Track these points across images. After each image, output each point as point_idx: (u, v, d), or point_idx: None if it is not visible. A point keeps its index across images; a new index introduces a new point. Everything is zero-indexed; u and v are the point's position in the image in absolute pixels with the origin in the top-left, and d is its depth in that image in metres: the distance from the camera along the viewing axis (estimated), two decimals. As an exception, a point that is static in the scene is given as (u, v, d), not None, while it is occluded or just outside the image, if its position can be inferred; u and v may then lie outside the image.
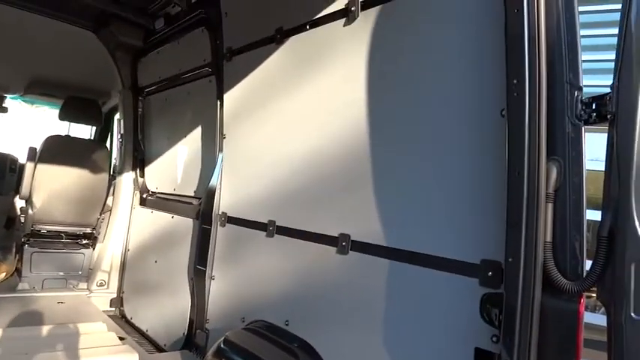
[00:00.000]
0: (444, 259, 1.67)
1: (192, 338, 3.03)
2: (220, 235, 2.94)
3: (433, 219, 1.74)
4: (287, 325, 2.28)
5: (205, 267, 2.95)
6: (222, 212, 2.95)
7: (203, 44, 3.38)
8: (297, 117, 2.47)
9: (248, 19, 2.98)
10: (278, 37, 2.64)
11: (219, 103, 3.15)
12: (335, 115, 2.21)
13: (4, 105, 5.56)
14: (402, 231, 1.84)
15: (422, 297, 1.73)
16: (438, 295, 1.68)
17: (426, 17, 1.86)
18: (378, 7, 2.06)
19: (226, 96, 3.09)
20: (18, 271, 4.40)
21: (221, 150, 3.08)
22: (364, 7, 2.12)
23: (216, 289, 2.91)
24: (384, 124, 1.98)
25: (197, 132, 3.58)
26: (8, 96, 5.60)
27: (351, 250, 2.02)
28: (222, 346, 2.32)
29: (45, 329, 3.18)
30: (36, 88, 5.46)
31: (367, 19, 2.09)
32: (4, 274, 4.37)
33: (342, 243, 2.06)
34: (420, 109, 1.85)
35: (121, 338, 3.16)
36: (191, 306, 3.10)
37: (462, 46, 1.71)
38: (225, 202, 2.97)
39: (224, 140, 3.08)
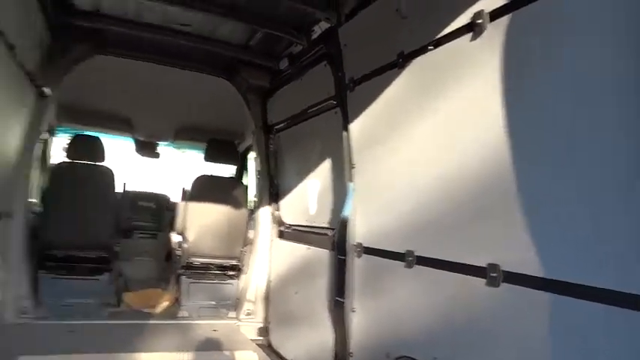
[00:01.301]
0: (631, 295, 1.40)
1: None
2: (357, 266, 2.93)
3: (606, 244, 1.49)
4: (435, 362, 2.15)
5: (344, 299, 2.95)
6: (358, 243, 2.94)
7: (326, 78, 3.47)
8: (427, 141, 2.38)
9: (367, 48, 2.99)
10: (400, 62, 2.59)
11: (345, 133, 3.18)
12: (468, 136, 2.08)
13: (156, 151, 6.31)
14: (564, 259, 1.63)
15: (596, 340, 1.49)
16: (619, 338, 1.43)
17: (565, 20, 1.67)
18: (507, 15, 1.91)
19: (352, 126, 3.12)
20: (177, 300, 4.87)
21: (351, 180, 3.09)
22: (493, 18, 1.98)
23: (358, 322, 2.88)
24: (527, 139, 1.80)
25: (326, 163, 3.66)
26: (160, 143, 6.34)
27: (503, 282, 1.84)
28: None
29: (204, 355, 3.46)
30: (182, 134, 6.12)
31: (496, 31, 1.95)
32: (167, 302, 4.87)
33: (491, 274, 1.89)
34: (569, 120, 1.64)
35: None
36: (334, 338, 3.11)
37: (616, 48, 1.49)
38: (360, 232, 2.96)
39: (353, 170, 3.08)
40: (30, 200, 4.39)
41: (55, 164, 5.01)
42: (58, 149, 5.53)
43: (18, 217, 3.92)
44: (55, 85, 4.19)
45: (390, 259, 2.57)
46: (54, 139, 5.62)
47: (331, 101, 3.50)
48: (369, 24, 2.98)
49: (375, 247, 2.78)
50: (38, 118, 4.13)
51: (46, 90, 4.14)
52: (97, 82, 4.66)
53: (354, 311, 2.90)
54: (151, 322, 4.36)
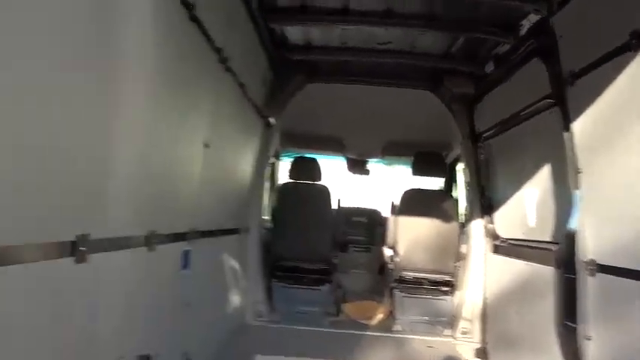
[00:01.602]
0: None
1: None
2: (592, 286, 2.50)
3: None
4: None
5: (576, 324, 2.55)
6: (590, 259, 2.51)
7: (539, 75, 3.13)
8: None
9: (589, 34, 2.58)
10: (634, 43, 2.16)
11: (566, 134, 2.79)
12: None
13: (366, 168, 6.62)
14: None
15: None
16: None
17: None
18: None
19: (575, 125, 2.72)
20: (392, 314, 4.95)
21: (577, 187, 2.68)
22: None
23: (596, 352, 2.44)
24: None
25: (545, 170, 3.27)
26: (370, 160, 6.63)
27: None
28: None
29: None
30: (390, 150, 6.28)
31: None
32: (382, 314, 4.99)
33: None
34: None
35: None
36: None
37: None
38: (592, 246, 2.53)
39: (580, 175, 2.67)
40: (263, 217, 5.09)
41: (281, 185, 5.71)
42: (283, 171, 6.26)
43: (253, 232, 4.59)
44: (278, 115, 4.82)
45: (634, 279, 2.13)
46: (280, 162, 6.40)
47: (547, 100, 3.13)
48: (589, 6, 2.58)
49: (617, 266, 2.33)
50: (266, 145, 4.79)
51: (271, 120, 4.79)
52: (310, 108, 5.15)
53: (589, 339, 2.47)
54: (368, 333, 4.52)
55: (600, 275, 2.43)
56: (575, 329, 2.56)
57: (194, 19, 2.36)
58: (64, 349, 1.49)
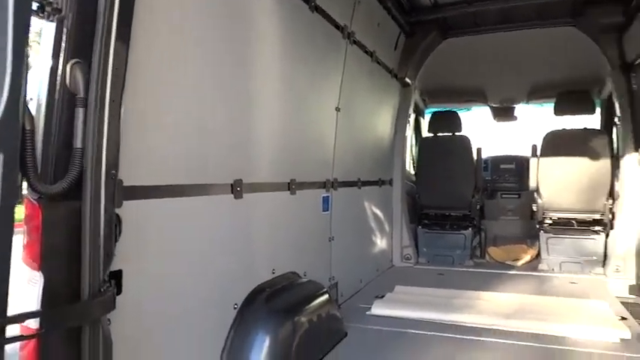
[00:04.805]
0: None
1: None
2: None
3: None
4: None
5: None
6: None
7: None
8: None
9: None
10: None
11: None
12: None
13: (514, 115, 6.49)
14: None
15: None
16: None
17: None
18: None
19: None
20: (539, 255, 5.00)
21: None
22: None
23: None
24: None
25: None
26: (515, 106, 6.49)
27: None
28: None
29: (549, 299, 3.59)
30: (536, 94, 6.07)
31: None
32: (529, 256, 5.08)
33: None
34: None
35: (622, 318, 3.10)
36: None
37: None
38: None
39: None
40: (407, 170, 5.55)
41: (422, 139, 6.05)
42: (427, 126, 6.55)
43: (397, 183, 5.09)
44: (414, 74, 5.16)
45: None
46: (424, 118, 6.70)
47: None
48: None
49: None
50: (404, 104, 5.19)
51: (408, 80, 5.16)
52: (449, 63, 5.33)
53: None
54: (511, 272, 4.70)
55: None
56: None
57: (315, 9, 2.96)
58: (229, 259, 2.23)
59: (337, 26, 3.40)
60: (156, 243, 1.74)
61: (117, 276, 1.53)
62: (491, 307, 3.31)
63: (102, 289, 1.39)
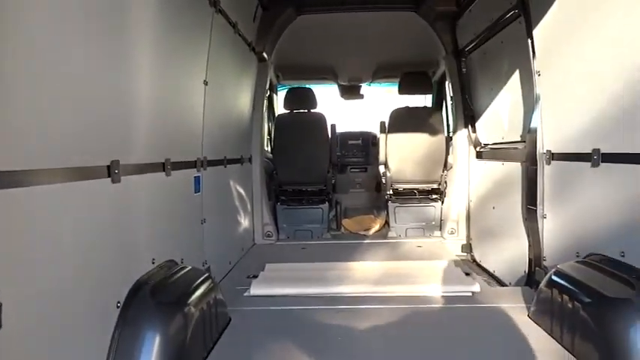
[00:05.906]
0: None
1: (532, 276, 3.11)
2: (547, 173, 2.91)
3: None
4: (622, 256, 2.11)
5: (536, 207, 2.98)
6: (547, 150, 2.90)
7: None
8: (622, 39, 2.20)
9: None
10: None
11: (529, 41, 3.08)
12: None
13: (360, 93, 6.89)
14: None
15: None
16: None
17: None
18: None
19: (535, 32, 3.00)
20: (387, 223, 5.46)
21: (537, 88, 3.02)
22: None
23: (550, 227, 2.90)
24: None
25: (515, 77, 3.57)
26: (362, 85, 6.88)
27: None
28: (553, 277, 2.36)
29: (407, 263, 3.94)
30: (380, 73, 6.51)
31: None
32: (378, 225, 5.50)
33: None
34: None
35: (466, 274, 3.55)
36: (528, 246, 3.19)
37: None
38: (549, 139, 2.91)
39: (539, 77, 2.99)
40: (264, 147, 5.46)
41: (278, 115, 6.02)
42: (280, 103, 6.54)
43: (255, 161, 4.98)
44: (271, 50, 5.04)
45: (578, 160, 2.52)
46: (277, 95, 6.66)
47: (515, 11, 3.37)
48: None
49: (563, 152, 2.73)
50: (261, 80, 5.05)
51: (264, 55, 5.02)
52: (302, 40, 5.34)
53: (545, 217, 2.92)
54: (366, 241, 5.04)
55: (554, 163, 2.83)
56: (535, 211, 2.99)
57: None
58: (108, 252, 1.89)
59: None
60: (24, 242, 1.37)
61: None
62: (362, 277, 3.49)
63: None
